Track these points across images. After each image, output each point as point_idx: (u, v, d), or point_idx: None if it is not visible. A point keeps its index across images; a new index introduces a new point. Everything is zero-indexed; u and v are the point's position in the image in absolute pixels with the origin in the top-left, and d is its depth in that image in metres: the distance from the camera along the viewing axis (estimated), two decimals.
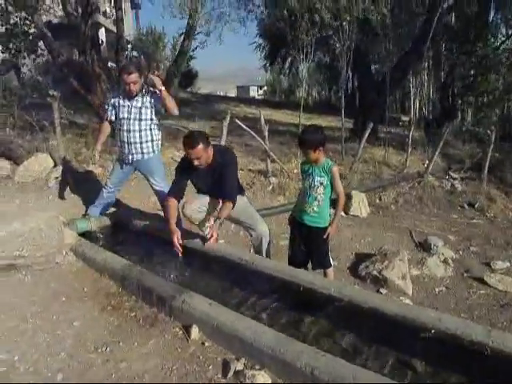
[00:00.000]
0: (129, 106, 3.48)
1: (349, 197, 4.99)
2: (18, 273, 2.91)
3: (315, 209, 2.67)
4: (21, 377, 1.94)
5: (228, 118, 5.82)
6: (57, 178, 4.82)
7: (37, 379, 1.92)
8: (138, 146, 3.51)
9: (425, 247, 4.00)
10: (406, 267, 3.27)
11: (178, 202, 2.99)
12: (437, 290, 3.19)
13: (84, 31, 6.56)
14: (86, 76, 6.84)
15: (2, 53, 7.76)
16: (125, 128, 3.49)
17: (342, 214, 4.58)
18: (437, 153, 6.68)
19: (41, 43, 7.48)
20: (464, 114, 13.80)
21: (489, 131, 6.98)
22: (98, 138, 3.76)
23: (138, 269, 2.77)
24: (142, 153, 3.54)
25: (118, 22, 7.50)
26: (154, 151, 3.59)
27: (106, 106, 3.65)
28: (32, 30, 7.22)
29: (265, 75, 28.14)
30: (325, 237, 2.69)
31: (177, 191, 2.97)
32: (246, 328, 2.03)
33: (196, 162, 2.80)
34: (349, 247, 3.97)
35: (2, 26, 7.14)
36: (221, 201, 2.90)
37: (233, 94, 36.31)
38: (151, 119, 3.51)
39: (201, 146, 2.73)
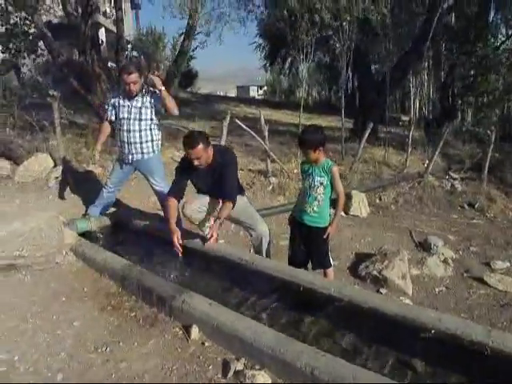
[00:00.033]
0: (129, 106, 3.48)
1: (349, 197, 4.99)
2: (17, 273, 2.91)
3: (315, 209, 2.67)
4: (21, 377, 1.94)
5: (228, 118, 5.82)
6: (57, 177, 4.82)
7: (37, 379, 1.92)
8: (138, 145, 3.51)
9: (425, 247, 4.00)
10: (405, 267, 3.27)
11: (178, 201, 2.99)
12: (437, 289, 3.19)
13: (84, 31, 6.56)
14: (86, 76, 6.85)
15: (2, 53, 7.76)
16: (125, 128, 3.49)
17: (342, 213, 4.58)
18: (437, 153, 6.68)
19: (41, 43, 7.48)
20: (464, 114, 13.79)
21: (489, 131, 6.98)
22: (98, 137, 3.77)
23: (137, 269, 2.76)
24: (142, 153, 3.54)
25: (118, 22, 7.49)
26: (154, 151, 3.60)
27: (106, 106, 3.66)
28: (32, 30, 7.23)
29: (265, 75, 28.21)
30: (325, 237, 2.69)
31: (177, 191, 2.97)
32: (246, 328, 2.03)
33: (196, 162, 2.80)
34: (349, 247, 3.97)
35: (2, 25, 7.14)
36: (221, 201, 2.91)
37: (233, 94, 36.31)
38: (151, 119, 3.51)
39: (201, 146, 2.73)
